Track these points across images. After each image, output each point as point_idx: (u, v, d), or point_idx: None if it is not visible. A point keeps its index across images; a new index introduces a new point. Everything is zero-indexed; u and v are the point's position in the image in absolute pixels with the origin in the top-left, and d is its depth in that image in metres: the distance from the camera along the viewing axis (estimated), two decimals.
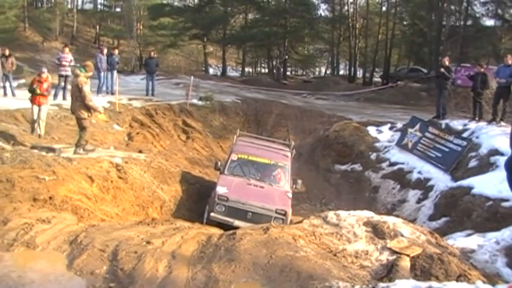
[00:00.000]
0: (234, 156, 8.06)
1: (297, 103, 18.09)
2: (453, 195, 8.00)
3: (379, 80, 27.31)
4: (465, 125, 10.53)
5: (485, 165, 8.39)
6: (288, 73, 32.39)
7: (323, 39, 31.35)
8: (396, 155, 10.67)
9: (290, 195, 7.49)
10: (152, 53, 16.04)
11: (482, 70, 10.87)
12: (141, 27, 30.22)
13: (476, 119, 10.73)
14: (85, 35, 34.75)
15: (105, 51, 14.45)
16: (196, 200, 8.21)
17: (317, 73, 37.40)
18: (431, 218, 8.04)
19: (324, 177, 11.32)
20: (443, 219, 7.72)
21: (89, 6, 38.97)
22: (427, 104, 16.49)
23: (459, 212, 7.52)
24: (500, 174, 6.33)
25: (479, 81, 10.52)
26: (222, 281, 3.65)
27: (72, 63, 12.20)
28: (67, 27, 32.89)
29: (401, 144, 10.91)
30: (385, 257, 4.47)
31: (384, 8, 29.10)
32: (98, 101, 9.99)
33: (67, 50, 12.71)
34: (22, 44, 25.65)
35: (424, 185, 9.23)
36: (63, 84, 12.16)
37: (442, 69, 11.34)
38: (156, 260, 3.95)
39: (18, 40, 25.61)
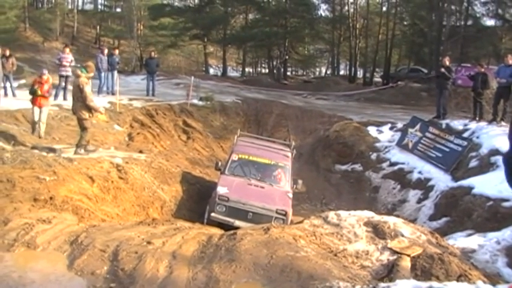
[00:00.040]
0: (234, 157, 8.07)
1: (298, 103, 18.07)
2: (454, 195, 7.99)
3: (379, 80, 27.28)
4: (465, 125, 10.53)
5: (486, 165, 8.40)
6: (288, 73, 32.39)
7: (323, 39, 31.36)
8: (396, 155, 10.67)
9: (290, 195, 7.49)
10: (153, 53, 16.05)
11: (483, 70, 10.88)
12: (142, 27, 30.20)
13: (477, 119, 10.73)
14: (85, 35, 34.74)
15: (106, 51, 14.49)
16: (197, 200, 8.22)
17: (317, 73, 37.36)
18: (432, 218, 8.04)
19: (325, 177, 11.32)
20: (444, 219, 7.72)
21: (89, 6, 39.01)
22: (428, 104, 16.46)
23: (460, 212, 7.52)
24: (501, 174, 6.26)
25: (479, 81, 10.53)
26: (223, 281, 3.65)
27: (73, 64, 12.24)
28: (67, 27, 32.87)
29: (401, 144, 10.91)
30: (386, 257, 4.47)
31: (384, 8, 29.12)
32: (99, 101, 10.01)
33: (67, 50, 12.74)
34: (22, 45, 25.62)
35: (424, 185, 9.23)
36: (63, 84, 12.18)
37: (443, 69, 11.34)
38: (156, 260, 3.95)
39: (18, 40, 25.57)
